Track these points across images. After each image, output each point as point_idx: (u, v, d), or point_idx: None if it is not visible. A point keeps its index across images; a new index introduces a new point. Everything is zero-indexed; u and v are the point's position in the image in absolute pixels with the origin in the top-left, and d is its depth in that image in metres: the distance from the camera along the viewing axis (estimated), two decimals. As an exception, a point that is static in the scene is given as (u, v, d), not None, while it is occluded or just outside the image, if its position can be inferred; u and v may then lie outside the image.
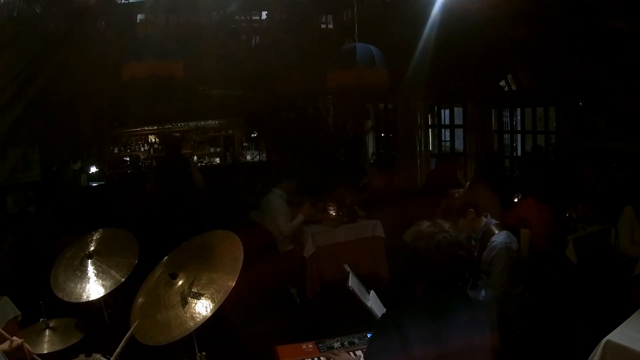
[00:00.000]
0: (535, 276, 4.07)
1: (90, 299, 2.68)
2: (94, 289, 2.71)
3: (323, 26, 7.57)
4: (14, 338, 2.07)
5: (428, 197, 4.86)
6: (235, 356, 3.97)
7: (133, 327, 2.19)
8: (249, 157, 10.59)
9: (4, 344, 2.05)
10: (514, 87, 7.51)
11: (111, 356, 2.69)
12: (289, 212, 5.18)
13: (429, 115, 8.14)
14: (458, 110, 8.07)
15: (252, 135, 10.71)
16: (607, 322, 2.77)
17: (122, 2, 5.84)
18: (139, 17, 6.21)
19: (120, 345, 2.17)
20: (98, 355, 2.62)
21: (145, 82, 4.17)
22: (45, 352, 2.62)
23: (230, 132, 10.80)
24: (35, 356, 2.15)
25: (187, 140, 10.51)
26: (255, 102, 8.34)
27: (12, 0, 3.64)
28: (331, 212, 5.29)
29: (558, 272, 4.61)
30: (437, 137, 8.63)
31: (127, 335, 2.19)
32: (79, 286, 2.71)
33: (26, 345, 2.08)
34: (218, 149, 10.81)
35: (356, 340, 2.61)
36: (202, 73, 6.73)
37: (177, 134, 9.15)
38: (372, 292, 2.80)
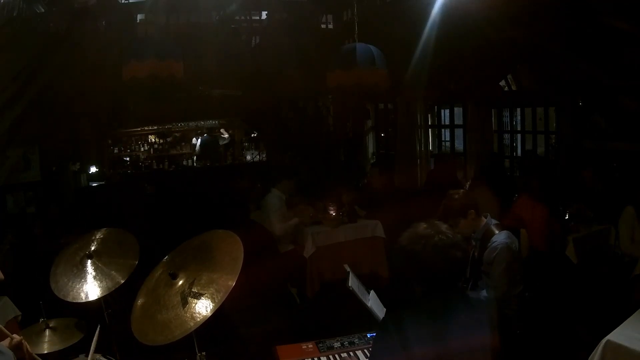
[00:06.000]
0: (535, 276, 4.06)
1: (89, 299, 2.68)
2: (93, 289, 2.70)
3: (323, 26, 7.56)
4: (14, 335, 2.07)
5: (428, 197, 4.86)
6: (235, 356, 3.98)
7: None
8: (249, 157, 10.58)
9: (4, 341, 2.05)
10: (514, 87, 7.51)
11: (111, 356, 2.70)
12: (284, 213, 5.18)
13: (429, 115, 8.15)
14: (458, 110, 8.07)
15: (252, 135, 10.71)
16: (607, 322, 2.77)
17: (122, 2, 5.83)
18: (139, 17, 6.21)
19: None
20: (98, 356, 2.62)
21: (145, 82, 4.17)
22: (45, 352, 2.62)
23: (230, 132, 10.81)
24: (35, 355, 2.15)
25: (187, 140, 10.54)
26: (255, 102, 8.33)
27: (12, 0, 3.64)
28: (331, 212, 5.29)
29: (558, 272, 4.61)
30: (437, 137, 8.64)
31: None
32: (78, 286, 2.71)
33: (25, 343, 2.09)
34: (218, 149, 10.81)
35: (356, 340, 2.61)
36: (202, 73, 6.72)
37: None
38: (372, 292, 2.79)
